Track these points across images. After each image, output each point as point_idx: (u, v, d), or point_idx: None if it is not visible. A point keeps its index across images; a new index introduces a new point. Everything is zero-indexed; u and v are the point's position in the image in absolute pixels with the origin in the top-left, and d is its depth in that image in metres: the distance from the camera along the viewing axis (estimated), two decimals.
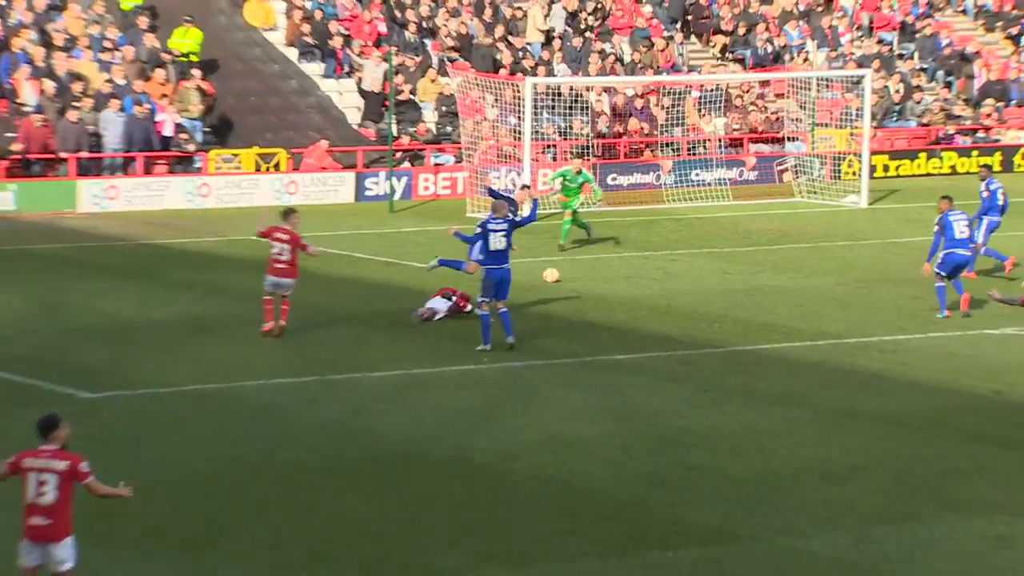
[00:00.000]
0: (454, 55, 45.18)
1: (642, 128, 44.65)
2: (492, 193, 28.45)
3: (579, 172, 34.94)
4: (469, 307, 26.91)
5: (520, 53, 45.66)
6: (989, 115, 48.52)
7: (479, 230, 25.47)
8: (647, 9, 48.94)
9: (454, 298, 27.25)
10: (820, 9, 50.98)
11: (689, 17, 49.92)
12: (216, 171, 40.91)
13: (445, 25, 46.22)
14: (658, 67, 47.03)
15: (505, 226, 25.12)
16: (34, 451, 13.61)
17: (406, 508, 17.85)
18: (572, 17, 47.78)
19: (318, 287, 30.49)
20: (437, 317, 27.00)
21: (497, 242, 25.06)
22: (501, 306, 25.09)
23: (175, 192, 39.93)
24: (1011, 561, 16.50)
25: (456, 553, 16.51)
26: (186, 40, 42.91)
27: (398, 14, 46.16)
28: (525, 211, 28.48)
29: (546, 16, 47.44)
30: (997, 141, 48.03)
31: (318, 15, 45.25)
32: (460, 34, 45.93)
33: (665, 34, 48.36)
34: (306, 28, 44.84)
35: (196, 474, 18.69)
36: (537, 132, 41.80)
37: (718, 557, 16.53)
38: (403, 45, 45.25)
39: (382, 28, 45.74)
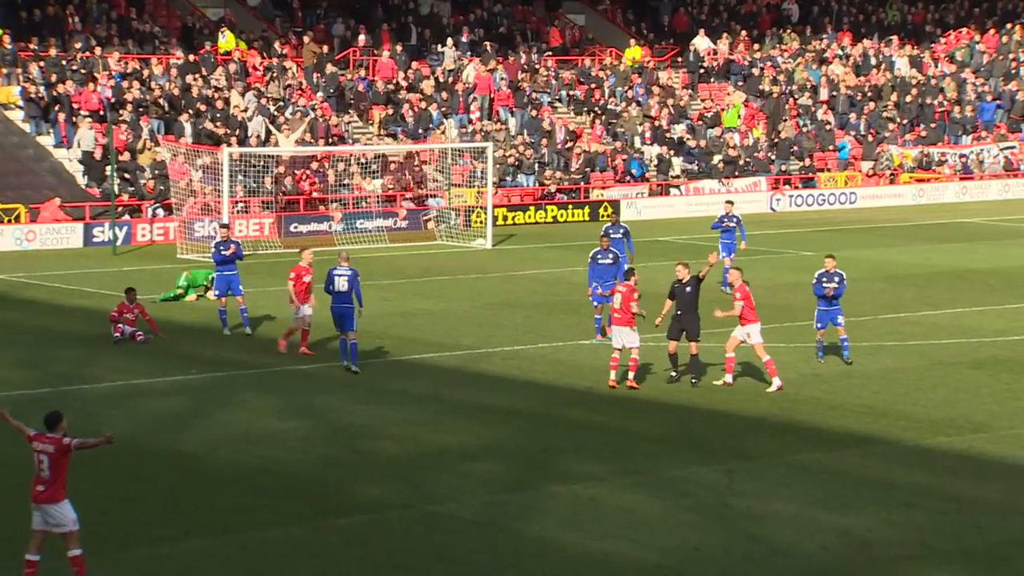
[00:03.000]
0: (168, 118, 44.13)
1: (318, 186, 44.46)
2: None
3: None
4: (142, 336, 26.10)
5: (223, 125, 44.93)
6: (582, 178, 50.01)
7: (327, 276, 24.59)
8: (320, 95, 48.84)
9: (130, 329, 26.22)
10: (451, 93, 51.62)
11: (352, 99, 50.04)
12: None
13: (157, 103, 45.15)
14: (330, 139, 46.91)
15: (348, 272, 24.23)
16: (39, 435, 13.85)
17: (128, 490, 17.35)
18: (259, 99, 47.24)
19: (53, 315, 29.41)
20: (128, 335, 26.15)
21: (341, 284, 24.16)
22: (352, 337, 24.00)
23: None
24: (599, 516, 17.02)
25: (170, 525, 16.14)
26: None
27: (112, 95, 44.83)
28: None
29: (243, 97, 46.88)
30: (587, 197, 49.53)
31: (46, 93, 43.65)
32: (171, 107, 44.93)
33: (333, 114, 48.30)
34: (36, 106, 43.26)
35: None
36: (233, 190, 41.20)
37: (380, 521, 16.59)
38: (122, 119, 44.00)
39: (107, 93, 44.38)
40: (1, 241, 39.00)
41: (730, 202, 34.61)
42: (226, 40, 48.00)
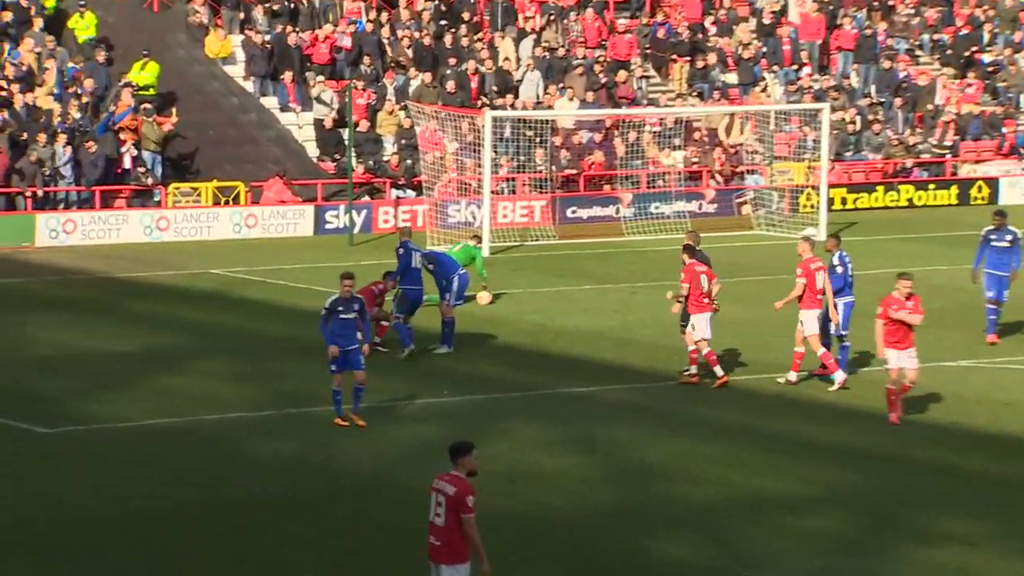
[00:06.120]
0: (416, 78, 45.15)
1: (602, 161, 44.78)
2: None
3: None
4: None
5: (487, 82, 45.73)
6: (948, 149, 48.86)
7: (402, 250, 26.88)
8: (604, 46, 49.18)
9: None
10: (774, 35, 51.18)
11: (648, 49, 50.18)
12: (175, 205, 40.82)
13: (404, 54, 46.28)
14: (618, 100, 47.22)
15: (422, 252, 27.02)
16: (441, 474, 14.02)
17: (367, 540, 17.82)
18: (541, 50, 47.74)
19: (278, 319, 30.47)
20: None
21: (416, 261, 26.75)
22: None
23: (133, 226, 39.81)
24: None
25: None
26: (143, 73, 42.79)
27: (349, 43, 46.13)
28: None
29: (517, 46, 47.58)
30: (955, 174, 48.38)
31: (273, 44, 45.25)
32: (420, 61, 45.96)
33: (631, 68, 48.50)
34: (260, 60, 44.83)
35: (151, 509, 18.60)
36: (497, 165, 41.89)
37: None
38: (360, 76, 45.22)
39: (346, 42, 45.69)
40: (217, 227, 40.65)
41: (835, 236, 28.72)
42: None
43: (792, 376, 25.08)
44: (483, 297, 31.72)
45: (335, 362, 22.15)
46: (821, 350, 24.88)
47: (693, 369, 25.14)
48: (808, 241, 25.61)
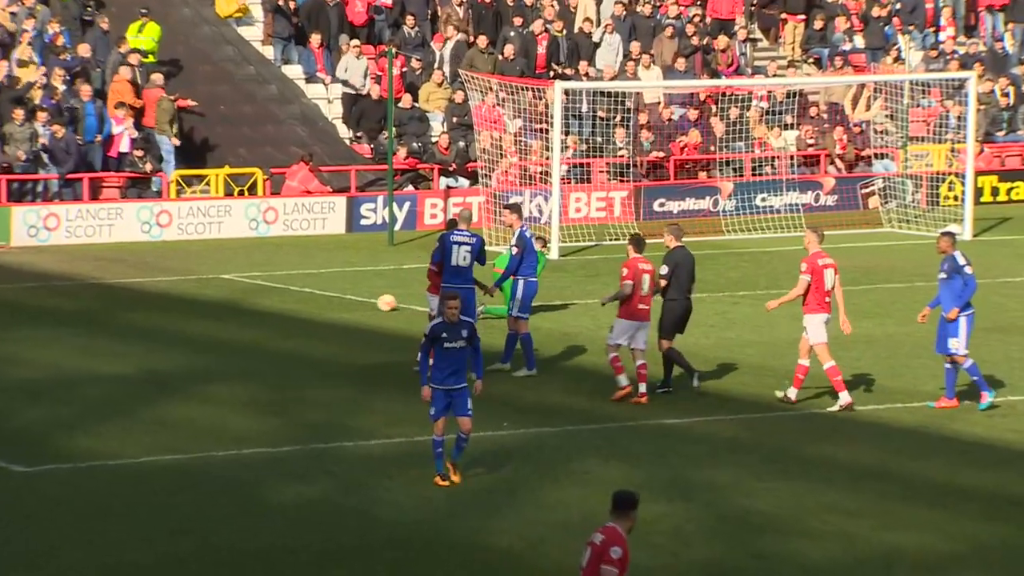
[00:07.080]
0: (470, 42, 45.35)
1: (697, 143, 44.79)
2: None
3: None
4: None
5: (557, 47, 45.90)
6: None
7: (438, 244, 26.29)
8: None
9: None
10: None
11: (754, 7, 50.11)
12: (178, 196, 41.06)
13: (455, 10, 46.45)
14: (716, 69, 47.21)
15: (473, 241, 25.95)
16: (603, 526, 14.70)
17: None
18: (623, 8, 47.83)
19: (304, 335, 30.62)
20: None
21: (461, 256, 25.77)
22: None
23: (129, 221, 40.10)
24: None
25: None
26: (141, 37, 43.02)
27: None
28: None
29: (599, 5, 47.69)
30: None
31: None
32: (477, 22, 46.12)
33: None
34: (283, 19, 45.05)
35: (151, 566, 18.70)
36: (566, 147, 41.96)
37: None
38: (401, 40, 45.39)
39: None
40: (229, 223, 40.88)
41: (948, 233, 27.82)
42: None
43: (792, 393, 25.45)
44: (385, 302, 31.66)
45: (435, 404, 21.47)
46: (829, 363, 25.16)
47: (642, 387, 25.48)
48: (816, 232, 25.58)
